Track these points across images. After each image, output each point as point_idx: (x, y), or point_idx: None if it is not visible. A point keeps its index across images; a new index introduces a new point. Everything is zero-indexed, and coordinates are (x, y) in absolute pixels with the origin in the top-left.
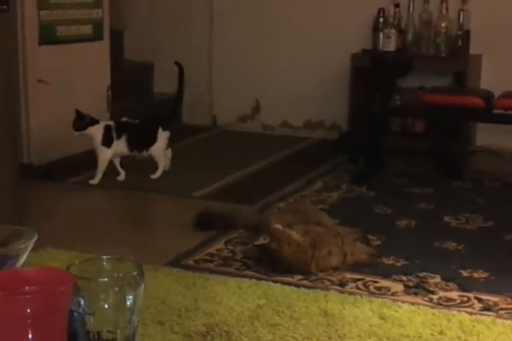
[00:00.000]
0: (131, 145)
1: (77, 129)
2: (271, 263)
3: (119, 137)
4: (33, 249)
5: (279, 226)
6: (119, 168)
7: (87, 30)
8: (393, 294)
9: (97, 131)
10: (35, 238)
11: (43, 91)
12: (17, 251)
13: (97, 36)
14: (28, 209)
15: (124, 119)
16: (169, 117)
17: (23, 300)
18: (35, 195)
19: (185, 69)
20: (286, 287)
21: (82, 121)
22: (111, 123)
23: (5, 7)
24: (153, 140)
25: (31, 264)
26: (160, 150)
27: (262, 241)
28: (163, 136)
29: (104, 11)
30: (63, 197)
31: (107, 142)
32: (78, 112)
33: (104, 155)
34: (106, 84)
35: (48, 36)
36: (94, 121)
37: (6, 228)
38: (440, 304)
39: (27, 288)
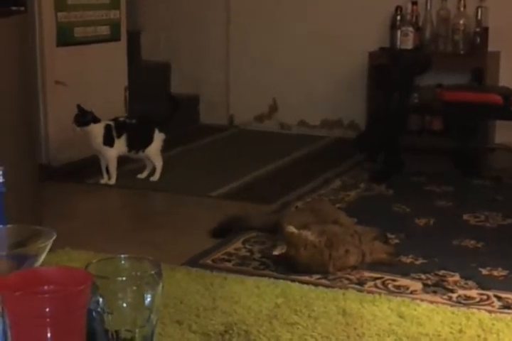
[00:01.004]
0: (129, 145)
1: (79, 125)
2: (289, 267)
3: (119, 136)
4: (51, 249)
5: (293, 230)
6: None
7: (104, 31)
8: (412, 292)
9: (98, 130)
10: (54, 238)
11: (60, 92)
12: (36, 250)
13: (114, 37)
14: (47, 209)
15: (121, 119)
16: (166, 120)
17: (42, 299)
18: (54, 196)
19: (202, 69)
20: (304, 286)
21: (86, 117)
22: (111, 122)
23: (22, 8)
24: (150, 140)
25: (50, 264)
26: (156, 151)
27: (279, 250)
28: (159, 137)
29: (122, 12)
30: (81, 197)
31: (109, 141)
32: (80, 108)
33: (110, 154)
34: (123, 85)
35: (65, 37)
36: (96, 119)
37: (25, 228)
38: (459, 302)
39: (46, 287)
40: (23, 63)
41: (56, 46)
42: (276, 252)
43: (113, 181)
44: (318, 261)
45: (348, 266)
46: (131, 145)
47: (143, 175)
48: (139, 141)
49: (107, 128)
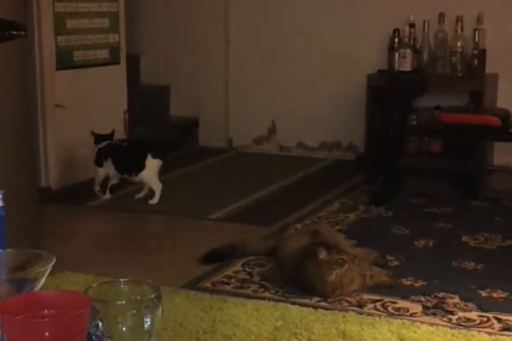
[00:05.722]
0: (117, 168)
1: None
2: (306, 285)
3: (106, 159)
4: (51, 273)
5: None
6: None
7: (103, 54)
8: (412, 315)
9: (94, 151)
10: (54, 261)
11: (60, 115)
12: (35, 274)
13: (113, 60)
14: (47, 232)
15: (114, 141)
16: (163, 146)
17: (42, 323)
18: (54, 219)
19: (202, 92)
20: (304, 308)
21: (106, 138)
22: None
23: (23, 33)
24: (141, 166)
25: (49, 288)
26: (150, 176)
27: (323, 254)
28: (152, 163)
29: (121, 35)
30: (81, 220)
31: (99, 162)
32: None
33: (98, 173)
34: (123, 108)
35: (65, 61)
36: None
37: (25, 251)
38: (459, 324)
39: (45, 311)
40: (23, 87)
41: (56, 70)
42: (322, 255)
43: (102, 196)
44: (330, 289)
45: (352, 291)
46: (120, 168)
47: (140, 195)
48: (128, 165)
49: (99, 149)
